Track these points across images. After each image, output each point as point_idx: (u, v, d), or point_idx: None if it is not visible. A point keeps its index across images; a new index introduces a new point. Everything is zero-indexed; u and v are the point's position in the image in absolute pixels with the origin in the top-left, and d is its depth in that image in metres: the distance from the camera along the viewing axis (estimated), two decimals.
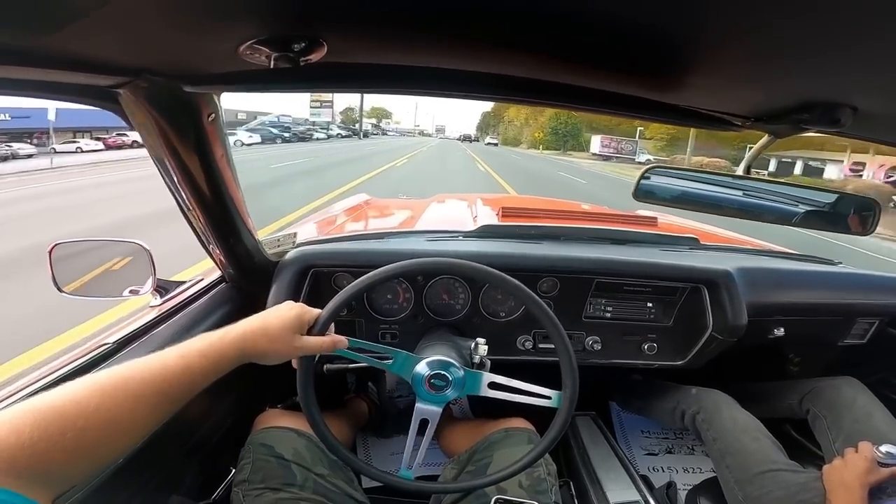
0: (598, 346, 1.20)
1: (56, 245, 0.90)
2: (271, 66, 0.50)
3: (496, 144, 62.45)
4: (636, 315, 1.22)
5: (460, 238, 1.30)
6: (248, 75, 0.53)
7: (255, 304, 1.04)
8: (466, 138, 71.63)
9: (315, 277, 1.08)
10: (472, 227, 1.35)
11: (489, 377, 0.82)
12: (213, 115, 0.71)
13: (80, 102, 0.59)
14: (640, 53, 0.54)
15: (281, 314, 0.70)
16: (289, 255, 1.08)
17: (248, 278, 1.07)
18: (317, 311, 0.75)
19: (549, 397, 0.81)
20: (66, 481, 0.46)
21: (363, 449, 1.49)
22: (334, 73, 0.55)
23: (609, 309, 1.21)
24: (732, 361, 1.35)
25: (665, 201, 0.89)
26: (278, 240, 1.14)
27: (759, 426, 1.17)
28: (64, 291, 0.91)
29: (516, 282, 0.80)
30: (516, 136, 71.51)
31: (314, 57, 0.51)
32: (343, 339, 0.76)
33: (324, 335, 0.75)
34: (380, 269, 0.78)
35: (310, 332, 0.73)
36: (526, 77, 0.61)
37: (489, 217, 1.52)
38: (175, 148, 0.70)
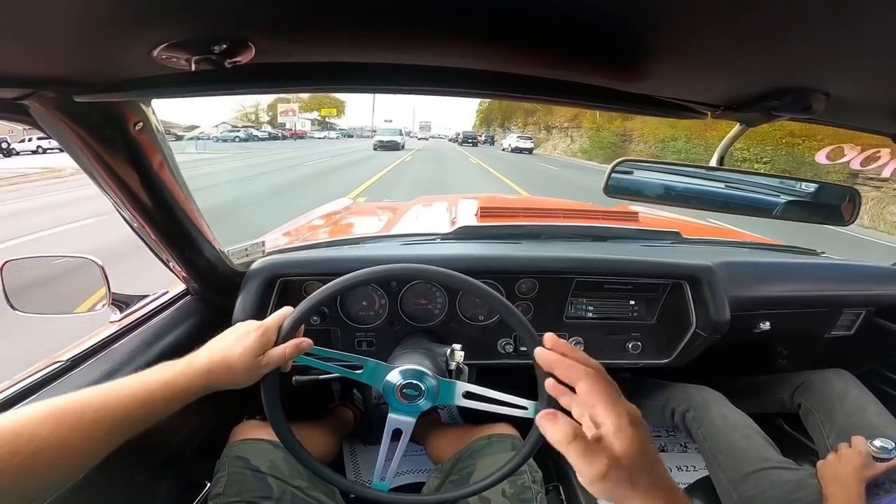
0: (581, 347, 1.16)
1: (7, 262, 0.86)
2: (193, 69, 0.47)
3: (530, 150, 30.47)
4: (619, 314, 1.19)
5: (437, 241, 1.27)
6: (174, 79, 0.49)
7: (222, 316, 1.01)
8: (467, 139, 42.95)
9: (284, 287, 1.04)
10: (449, 228, 1.31)
11: (464, 386, 0.79)
12: (141, 124, 0.66)
13: None
14: (602, 42, 0.51)
15: (241, 343, 0.68)
16: (255, 265, 1.04)
17: (213, 290, 1.03)
18: (276, 320, 0.72)
19: (525, 408, 0.77)
20: (18, 501, 0.46)
21: (350, 457, 1.46)
22: (268, 73, 0.52)
23: (591, 308, 1.18)
24: (721, 356, 1.33)
25: (638, 196, 0.86)
26: (246, 249, 1.11)
27: (750, 423, 1.14)
28: (18, 309, 0.88)
29: (475, 281, 0.77)
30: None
31: (242, 59, 0.48)
32: (305, 340, 0.73)
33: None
34: (345, 277, 0.74)
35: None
36: (480, 69, 0.58)
37: (468, 218, 1.49)
38: (104, 160, 0.66)
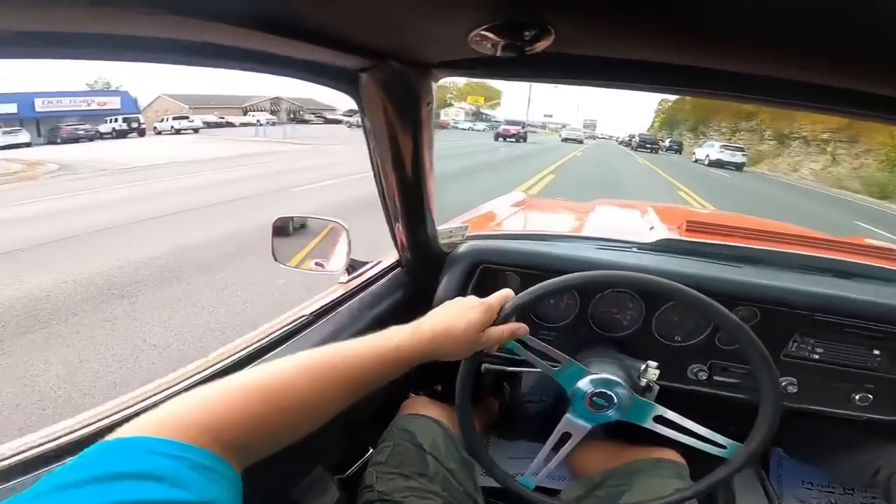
0: (793, 389, 1.02)
1: (278, 218, 1.05)
2: (497, 55, 0.49)
3: (740, 167, 21.98)
4: (854, 361, 1.00)
5: (634, 250, 1.20)
6: (478, 62, 0.53)
7: (424, 291, 1.09)
8: (644, 143, 33.21)
9: (483, 273, 1.08)
10: (646, 238, 1.23)
11: (658, 410, 0.75)
12: (430, 104, 0.73)
13: (321, 83, 0.62)
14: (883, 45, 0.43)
15: (466, 316, 0.67)
16: (462, 248, 1.10)
17: (421, 265, 1.11)
18: (498, 300, 0.72)
19: (723, 446, 0.72)
20: (260, 454, 0.46)
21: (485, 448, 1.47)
22: (559, 64, 0.53)
23: (819, 351, 1.01)
24: None
25: None
26: (450, 231, 1.18)
27: None
28: (279, 261, 1.06)
29: (730, 314, 0.73)
30: None
31: (540, 46, 0.49)
32: (522, 325, 0.72)
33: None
34: (578, 275, 0.74)
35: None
36: (791, 79, 0.52)
37: (667, 230, 1.38)
38: (394, 133, 0.74)
